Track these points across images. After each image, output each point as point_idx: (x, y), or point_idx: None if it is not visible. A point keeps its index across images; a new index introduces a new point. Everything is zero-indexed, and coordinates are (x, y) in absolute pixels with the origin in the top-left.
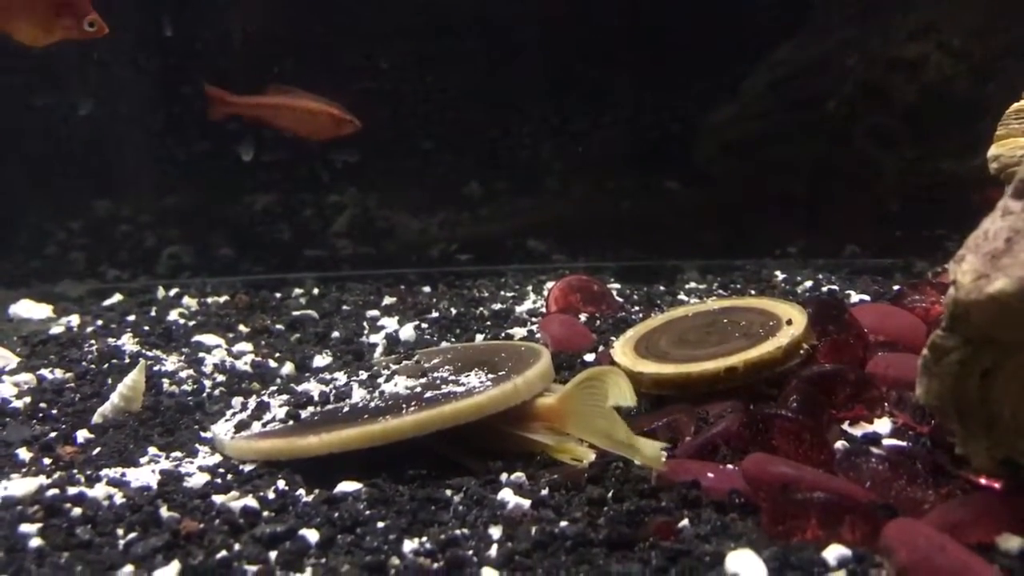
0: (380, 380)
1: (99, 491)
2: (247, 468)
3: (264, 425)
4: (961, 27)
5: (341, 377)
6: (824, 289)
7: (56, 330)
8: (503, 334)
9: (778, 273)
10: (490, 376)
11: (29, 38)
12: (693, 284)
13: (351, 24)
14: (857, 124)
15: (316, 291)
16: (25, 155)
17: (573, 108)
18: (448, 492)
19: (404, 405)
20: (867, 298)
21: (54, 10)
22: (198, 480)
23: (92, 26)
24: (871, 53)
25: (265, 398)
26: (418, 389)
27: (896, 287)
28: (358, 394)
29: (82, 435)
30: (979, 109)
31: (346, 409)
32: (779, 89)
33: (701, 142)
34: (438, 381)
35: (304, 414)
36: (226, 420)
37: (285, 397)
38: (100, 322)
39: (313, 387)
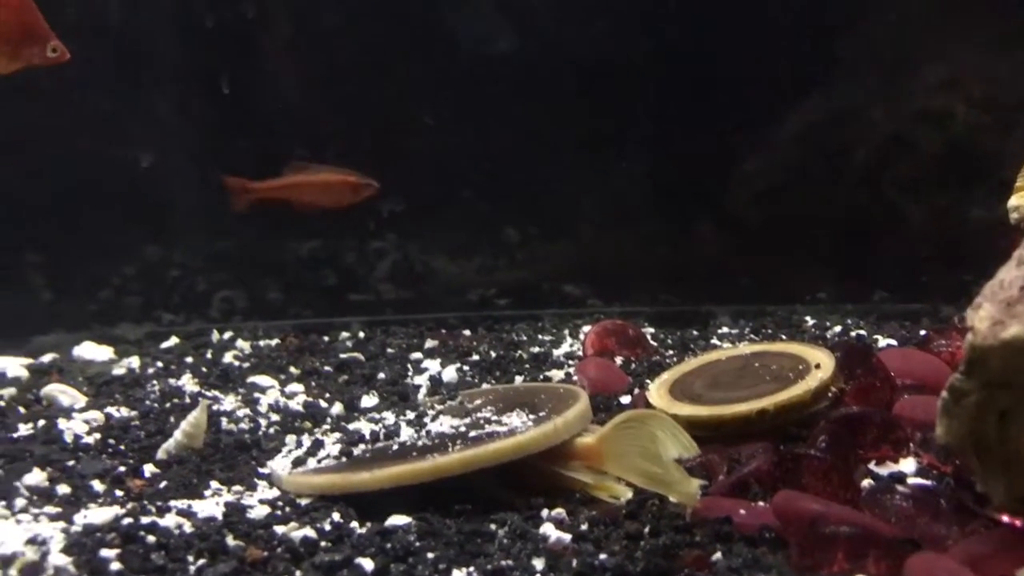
0: (427, 420)
1: (169, 520)
2: (304, 502)
3: (319, 461)
4: (985, 80)
5: (390, 416)
6: (853, 334)
7: (118, 371)
8: (541, 376)
9: (808, 318)
10: (531, 417)
11: (4, 68)
12: (726, 329)
13: (399, 84)
14: (885, 173)
15: (362, 334)
16: (81, 203)
17: (608, 156)
18: (492, 526)
19: (450, 444)
20: (894, 342)
21: (19, 37)
22: (260, 512)
23: (55, 51)
24: (898, 105)
25: (320, 436)
26: (463, 428)
27: (923, 332)
28: (406, 433)
29: (149, 469)
30: (1004, 159)
31: (395, 447)
32: (809, 139)
33: (733, 190)
34: (482, 421)
35: (356, 451)
36: (283, 456)
37: (338, 435)
38: (160, 364)
39: (364, 426)
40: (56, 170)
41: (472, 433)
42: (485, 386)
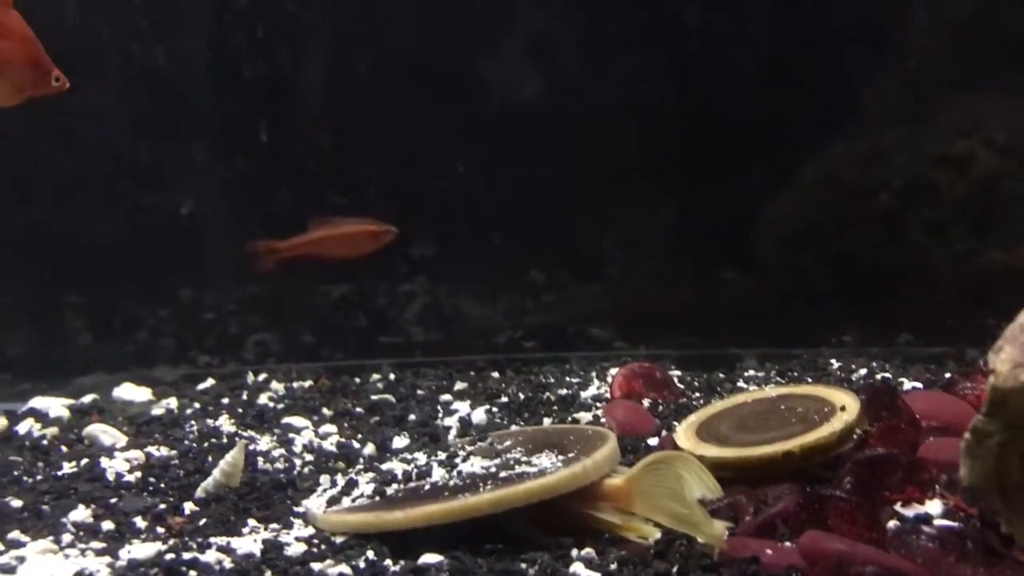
0: (458, 460)
1: (210, 556)
2: (339, 540)
3: (353, 501)
4: (1006, 124)
5: (421, 457)
6: (878, 376)
7: (157, 412)
8: (570, 418)
9: (833, 361)
10: (560, 458)
11: (9, 100)
12: (752, 372)
13: (430, 132)
14: (909, 217)
15: (392, 376)
16: (118, 247)
17: (632, 201)
18: (523, 565)
19: (481, 484)
20: (920, 385)
21: (26, 68)
22: (296, 549)
23: (58, 81)
24: (920, 149)
25: (353, 476)
26: (493, 469)
27: (948, 375)
28: (438, 473)
29: (188, 507)
30: None
31: (427, 487)
32: (832, 183)
33: (758, 233)
34: (512, 462)
35: (389, 491)
36: (317, 496)
37: (371, 475)
38: (197, 404)
39: (396, 466)
40: (95, 216)
41: (502, 474)
42: (514, 428)
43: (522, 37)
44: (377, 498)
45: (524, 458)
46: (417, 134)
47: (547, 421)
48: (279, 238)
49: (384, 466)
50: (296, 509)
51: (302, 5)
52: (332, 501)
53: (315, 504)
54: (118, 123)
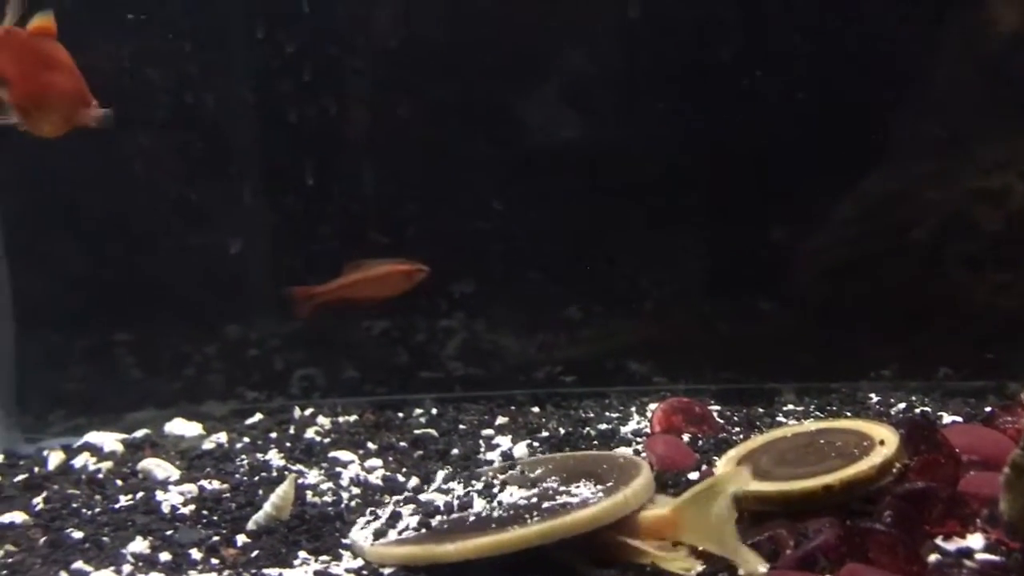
0: (495, 490)
1: None
2: (387, 571)
3: (399, 533)
4: None
5: (459, 488)
6: (917, 411)
7: (208, 446)
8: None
9: (872, 395)
10: (599, 487)
11: (50, 131)
12: (791, 406)
13: (469, 172)
14: (946, 250)
15: (434, 411)
16: (166, 284)
17: (670, 237)
18: None
19: (527, 515)
20: (960, 419)
21: (75, 100)
22: None
23: (98, 115)
24: (956, 183)
25: (397, 508)
26: (534, 499)
27: (988, 409)
28: (479, 504)
29: (241, 539)
30: None
31: (472, 519)
32: (868, 217)
33: (794, 268)
34: (551, 492)
35: (434, 523)
36: (361, 528)
37: (413, 507)
38: (246, 439)
39: (437, 497)
40: (146, 255)
41: (545, 504)
42: (544, 456)
43: (558, 79)
44: (423, 530)
45: (562, 488)
46: (456, 175)
47: (569, 452)
48: (316, 283)
49: (423, 497)
50: (344, 541)
51: (346, 50)
52: (378, 533)
53: (360, 536)
54: (168, 164)
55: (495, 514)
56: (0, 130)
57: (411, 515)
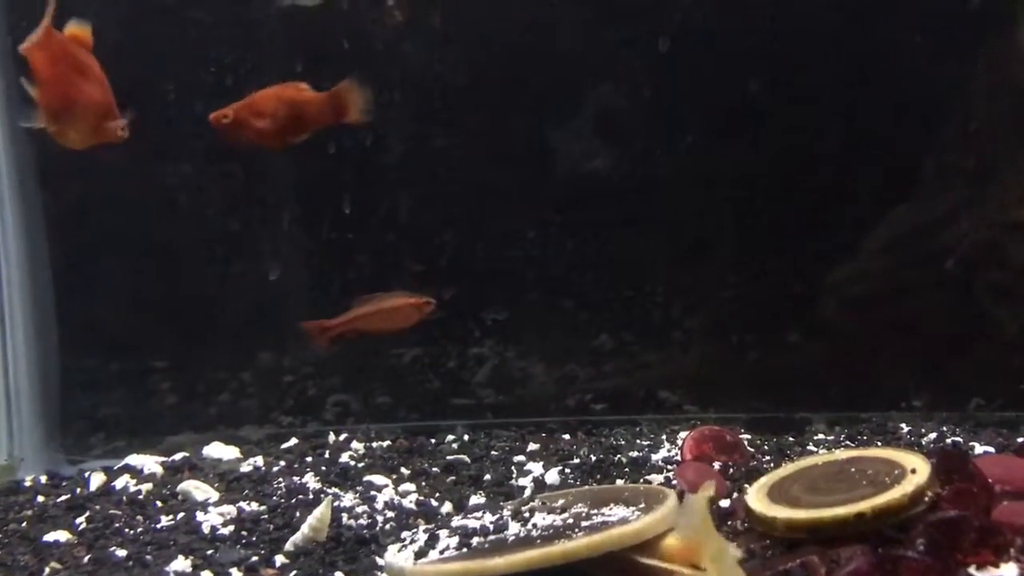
0: (527, 515)
1: None
2: None
3: (441, 553)
4: None
5: (488, 515)
6: (948, 441)
7: (246, 469)
8: (642, 480)
9: (903, 425)
10: (633, 508)
11: (74, 140)
12: (821, 436)
13: (502, 202)
14: (976, 281)
15: (466, 437)
16: (203, 310)
17: (700, 267)
18: None
19: (570, 532)
20: (992, 450)
21: (103, 113)
22: None
23: (123, 131)
24: (987, 213)
25: (434, 531)
26: (570, 521)
27: (1021, 440)
28: (514, 527)
29: (279, 559)
30: None
31: (512, 538)
32: (897, 248)
33: (823, 298)
34: (583, 515)
35: (474, 542)
36: (399, 551)
37: (447, 531)
38: (283, 463)
39: (469, 522)
40: (184, 282)
41: (585, 523)
42: (556, 491)
43: (592, 111)
44: (465, 549)
45: (594, 511)
46: (490, 204)
47: (619, 482)
48: (327, 317)
49: (456, 523)
50: (380, 562)
51: (382, 82)
52: (420, 554)
53: (400, 559)
54: (209, 193)
55: (535, 533)
56: (48, 156)
57: (449, 537)
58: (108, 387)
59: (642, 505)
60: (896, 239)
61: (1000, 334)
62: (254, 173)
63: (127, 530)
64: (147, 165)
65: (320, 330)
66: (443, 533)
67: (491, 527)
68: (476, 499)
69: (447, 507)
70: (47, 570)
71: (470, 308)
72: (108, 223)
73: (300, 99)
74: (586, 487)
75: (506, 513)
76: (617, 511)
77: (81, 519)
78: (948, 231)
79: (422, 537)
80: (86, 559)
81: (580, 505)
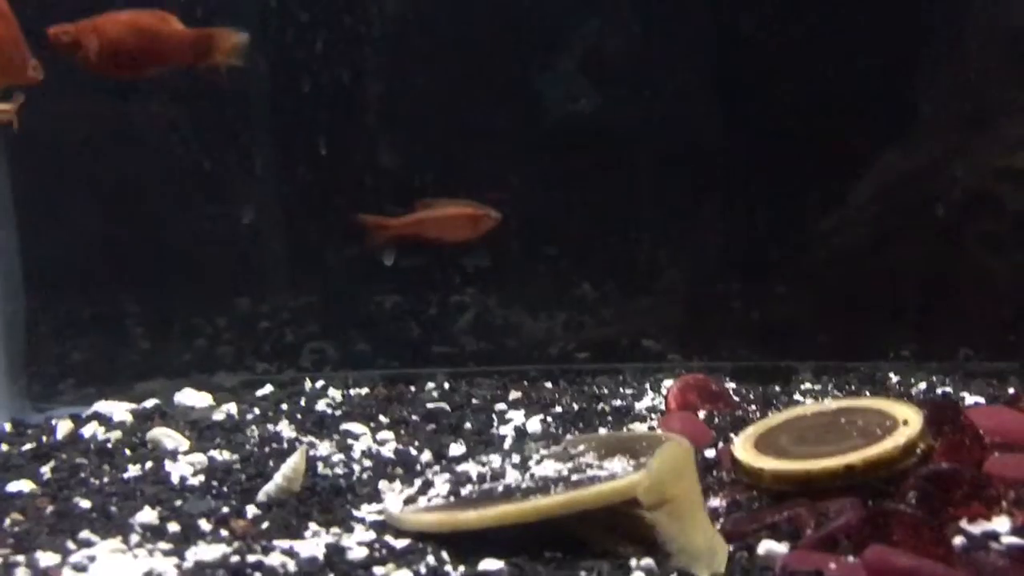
0: (531, 463)
1: (274, 559)
2: (400, 544)
3: (429, 500)
4: None
5: (496, 459)
6: (938, 391)
7: (218, 417)
8: (625, 429)
9: (892, 375)
10: (632, 462)
11: None
12: (808, 385)
13: (486, 145)
14: (968, 229)
15: (447, 386)
16: (176, 254)
17: (686, 214)
18: (583, 573)
19: (552, 486)
20: (982, 401)
21: (8, 52)
22: (358, 553)
23: (36, 70)
24: (980, 161)
25: (430, 476)
26: (565, 472)
27: (1011, 390)
28: (511, 475)
29: (251, 510)
30: None
31: (500, 489)
32: (887, 196)
33: (812, 246)
34: (584, 465)
35: (464, 491)
36: (396, 495)
37: (447, 475)
38: (257, 410)
39: (472, 467)
40: (156, 224)
41: (574, 477)
42: (588, 435)
43: (578, 53)
44: (452, 498)
45: (597, 462)
46: (472, 147)
47: (602, 431)
48: (389, 215)
49: (460, 467)
50: (355, 513)
51: (360, 20)
52: (409, 500)
53: (392, 503)
54: (180, 133)
55: (523, 485)
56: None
57: (444, 484)
58: (77, 332)
59: (643, 459)
60: (886, 186)
61: (991, 284)
62: (227, 112)
63: (93, 480)
64: (114, 102)
65: (380, 228)
66: (439, 479)
67: (489, 474)
68: (456, 448)
69: (426, 456)
70: (7, 521)
71: (451, 255)
72: (75, 162)
73: (155, 30)
74: (613, 434)
75: (514, 458)
76: (615, 465)
77: (46, 469)
78: (940, 179)
79: (419, 482)
80: (49, 510)
81: (592, 454)
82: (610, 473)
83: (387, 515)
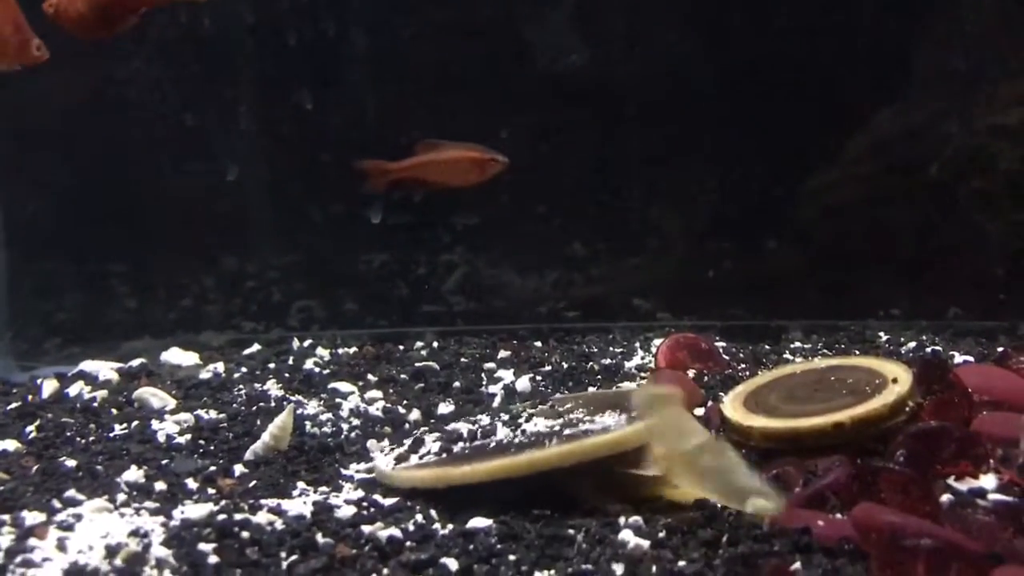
0: (521, 421)
1: (261, 518)
2: (388, 502)
3: (420, 458)
4: None
5: (485, 418)
6: (928, 350)
7: (205, 375)
8: (614, 388)
9: (882, 334)
10: (624, 416)
11: None
12: (798, 344)
13: (474, 101)
14: (960, 188)
15: (435, 344)
16: (160, 213)
17: (677, 172)
18: (571, 531)
19: (546, 440)
20: (971, 359)
21: (7, 35)
22: (346, 512)
23: (39, 51)
24: (973, 119)
25: (420, 434)
26: (557, 427)
27: (1000, 349)
28: (502, 432)
29: (238, 469)
30: None
31: (493, 445)
32: (880, 153)
33: (803, 204)
34: (575, 420)
35: (456, 448)
36: (385, 454)
37: (437, 434)
38: (244, 369)
39: (462, 426)
40: (142, 182)
41: (567, 431)
42: (576, 393)
43: (568, 6)
44: (444, 455)
45: (587, 417)
46: (461, 102)
47: (591, 389)
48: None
49: (450, 426)
50: (344, 472)
51: None
52: (400, 458)
53: (383, 461)
54: (164, 89)
55: (516, 440)
56: None
57: (434, 441)
58: (63, 290)
59: (635, 414)
60: (879, 144)
61: (982, 242)
62: (211, 67)
63: (79, 439)
64: (97, 59)
65: (380, 172)
66: (430, 437)
67: (480, 431)
68: (444, 407)
69: (415, 415)
70: None
71: (440, 213)
72: (57, 120)
73: None
74: (604, 391)
75: (503, 417)
76: (607, 419)
77: (31, 428)
78: (932, 136)
79: (409, 440)
80: (34, 469)
81: (582, 411)
82: (603, 426)
83: (378, 473)
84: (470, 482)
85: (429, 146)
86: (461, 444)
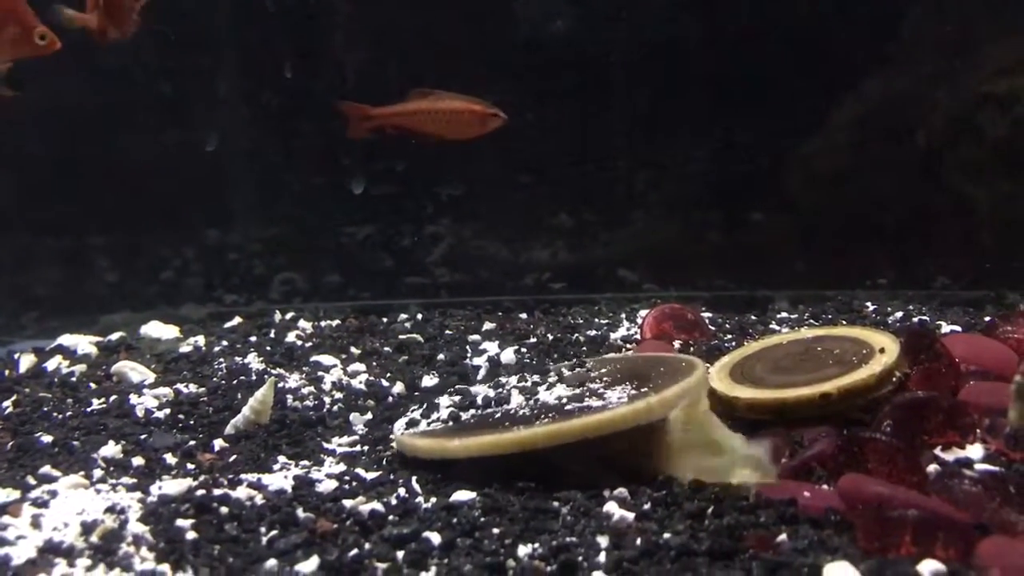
0: (541, 388)
1: (241, 493)
2: (370, 476)
3: (429, 425)
4: None
5: (513, 380)
6: (915, 319)
7: (185, 349)
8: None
9: (868, 304)
10: (631, 392)
11: None
12: (784, 314)
13: (458, 70)
14: (947, 157)
15: (420, 316)
16: (141, 185)
17: (663, 142)
18: (556, 504)
19: (543, 416)
20: (958, 329)
21: (9, 24)
22: (327, 486)
23: (43, 39)
24: (962, 88)
25: (435, 399)
26: (564, 401)
27: (988, 318)
28: (516, 400)
29: (218, 443)
30: None
31: (498, 415)
32: (868, 121)
33: (790, 173)
34: (587, 394)
35: (464, 416)
36: (404, 418)
37: (456, 399)
38: (225, 342)
39: (481, 390)
40: (120, 154)
41: (569, 406)
42: (613, 355)
43: None
44: (451, 423)
45: (601, 390)
46: (445, 70)
47: (629, 353)
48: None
49: (473, 388)
50: (326, 446)
51: None
52: (411, 423)
53: (398, 426)
54: (142, 58)
55: (521, 412)
56: None
57: (448, 407)
58: (40, 264)
59: (644, 389)
60: (865, 112)
61: (969, 211)
62: (190, 34)
63: (56, 414)
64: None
65: (362, 116)
66: (444, 402)
67: (495, 398)
68: (428, 379)
69: (398, 387)
70: None
71: (424, 183)
72: (33, 92)
73: None
74: (639, 356)
75: (526, 383)
76: (615, 394)
77: (8, 403)
78: (919, 104)
79: (427, 405)
80: (9, 445)
81: (607, 379)
82: (603, 404)
83: (395, 439)
84: (462, 457)
85: (422, 94)
86: (472, 411)
